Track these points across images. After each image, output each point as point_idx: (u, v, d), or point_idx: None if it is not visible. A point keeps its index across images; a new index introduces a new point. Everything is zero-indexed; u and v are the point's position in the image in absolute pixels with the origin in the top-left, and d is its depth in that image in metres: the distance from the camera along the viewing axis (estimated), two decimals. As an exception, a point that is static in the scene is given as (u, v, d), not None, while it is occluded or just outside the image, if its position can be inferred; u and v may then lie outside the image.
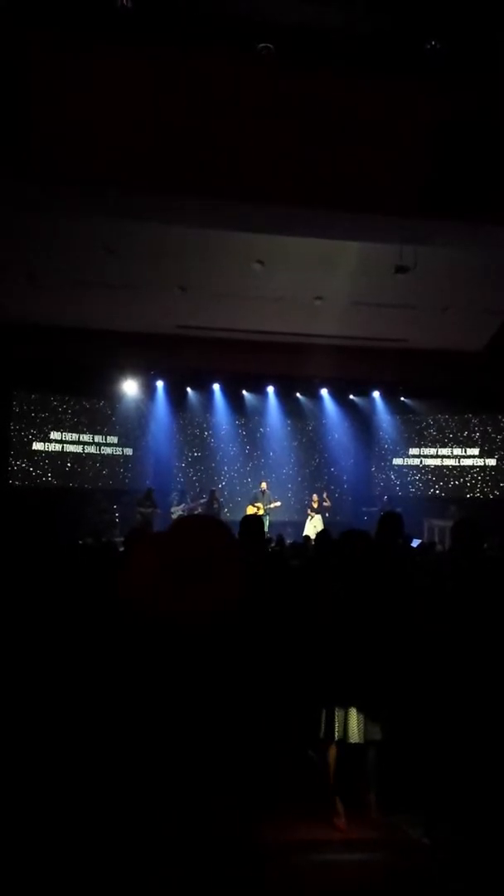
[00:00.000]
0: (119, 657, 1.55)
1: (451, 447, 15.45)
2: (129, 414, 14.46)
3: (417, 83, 6.76)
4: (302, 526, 13.34)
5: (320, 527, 12.60)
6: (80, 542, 8.74)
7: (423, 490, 15.29)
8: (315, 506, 13.49)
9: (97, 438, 14.38)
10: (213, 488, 14.37)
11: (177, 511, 13.92)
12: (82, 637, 2.52)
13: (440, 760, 3.07)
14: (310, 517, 13.40)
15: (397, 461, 15.53)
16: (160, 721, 1.42)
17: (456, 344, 12.93)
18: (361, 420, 15.53)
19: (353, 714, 3.59)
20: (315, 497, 13.64)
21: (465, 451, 15.20)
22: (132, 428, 14.62)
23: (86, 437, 14.30)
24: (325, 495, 13.91)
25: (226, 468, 15.24)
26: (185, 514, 13.77)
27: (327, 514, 13.51)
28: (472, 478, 15.00)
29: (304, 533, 12.31)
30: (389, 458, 15.60)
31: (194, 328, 12.54)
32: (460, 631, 3.15)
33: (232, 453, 15.29)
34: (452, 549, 3.94)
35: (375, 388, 15.05)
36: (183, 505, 14.02)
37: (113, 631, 1.59)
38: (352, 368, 13.59)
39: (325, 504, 13.66)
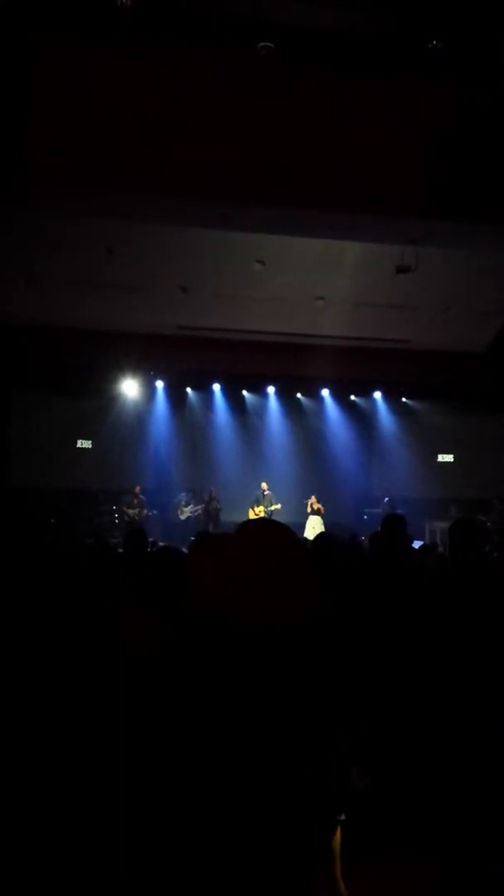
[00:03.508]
0: (173, 666, 1.47)
1: (453, 448, 15.41)
2: (128, 414, 14.42)
3: (418, 83, 6.74)
4: (301, 527, 13.29)
5: (319, 528, 12.55)
6: (83, 543, 8.69)
7: (424, 491, 15.23)
8: (315, 507, 13.41)
9: (97, 439, 14.34)
10: (212, 488, 14.28)
11: (185, 512, 13.89)
12: (86, 642, 2.48)
13: (444, 776, 3.03)
14: (309, 518, 13.32)
15: (399, 462, 15.47)
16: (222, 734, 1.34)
17: (457, 344, 12.91)
18: (363, 421, 15.48)
19: None
20: (313, 498, 13.53)
21: (467, 452, 15.15)
22: (132, 428, 14.57)
23: (85, 438, 14.26)
24: (313, 498, 13.72)
25: (226, 469, 15.18)
26: (193, 515, 13.79)
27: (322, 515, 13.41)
28: (474, 479, 14.94)
29: (304, 535, 12.25)
30: (391, 459, 15.54)
31: (195, 328, 12.53)
32: (463, 632, 3.12)
33: (232, 454, 15.23)
34: (452, 551, 3.89)
35: (377, 388, 15.01)
36: (191, 506, 13.97)
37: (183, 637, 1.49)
38: (353, 369, 13.56)
39: (315, 507, 13.52)
